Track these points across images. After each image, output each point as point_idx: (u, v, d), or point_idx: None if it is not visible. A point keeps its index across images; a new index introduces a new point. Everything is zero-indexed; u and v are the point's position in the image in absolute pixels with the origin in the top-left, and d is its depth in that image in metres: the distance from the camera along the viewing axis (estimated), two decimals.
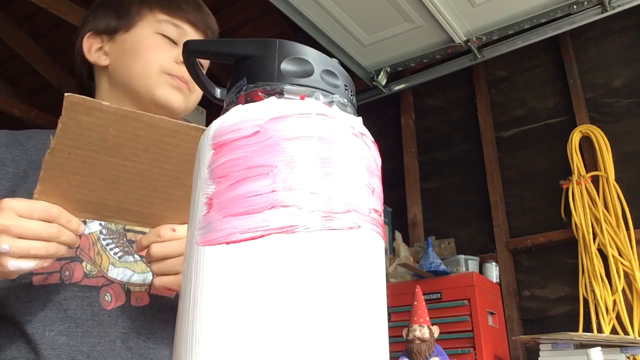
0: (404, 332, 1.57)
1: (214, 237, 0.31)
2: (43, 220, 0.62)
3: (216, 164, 0.33)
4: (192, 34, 0.91)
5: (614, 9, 2.30)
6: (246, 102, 0.35)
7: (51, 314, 0.73)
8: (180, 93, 0.87)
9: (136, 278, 0.80)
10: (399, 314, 2.01)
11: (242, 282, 0.30)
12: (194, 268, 0.32)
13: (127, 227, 0.82)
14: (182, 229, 0.69)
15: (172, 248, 0.68)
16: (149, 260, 0.71)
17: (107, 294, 0.77)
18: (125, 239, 0.82)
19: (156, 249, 0.69)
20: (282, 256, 0.30)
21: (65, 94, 0.55)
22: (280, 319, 0.29)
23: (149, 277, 0.81)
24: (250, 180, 0.32)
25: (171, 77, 0.86)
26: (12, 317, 0.73)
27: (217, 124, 0.35)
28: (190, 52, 0.42)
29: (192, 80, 0.90)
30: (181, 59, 0.85)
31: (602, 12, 2.32)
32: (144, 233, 0.83)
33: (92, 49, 0.90)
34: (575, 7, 2.34)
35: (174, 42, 0.89)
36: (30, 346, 0.72)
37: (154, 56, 0.86)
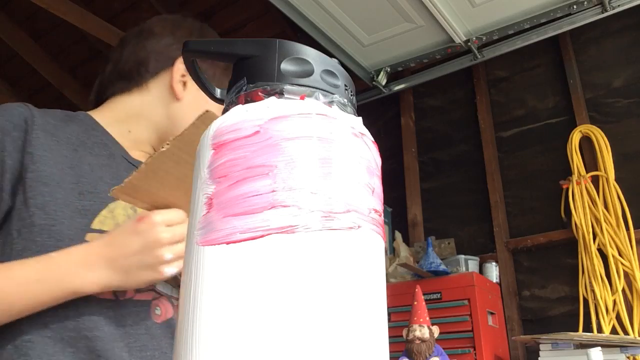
0: (404, 332, 1.57)
1: (214, 237, 0.31)
2: (179, 224, 0.71)
3: (216, 164, 0.33)
4: None
5: (614, 9, 2.30)
6: (246, 102, 0.35)
7: (111, 329, 0.74)
8: None
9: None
10: (399, 314, 2.01)
11: (242, 282, 0.30)
12: (194, 268, 0.32)
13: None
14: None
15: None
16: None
17: (157, 308, 0.79)
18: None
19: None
20: (282, 256, 0.30)
21: (207, 111, 0.63)
22: (280, 319, 0.29)
23: None
24: (250, 180, 0.32)
25: None
26: (74, 329, 0.72)
27: (217, 124, 0.35)
28: (190, 52, 0.42)
29: None
30: None
31: (602, 12, 2.33)
32: None
33: (179, 73, 0.89)
34: (575, 7, 2.34)
35: None
36: None
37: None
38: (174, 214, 0.71)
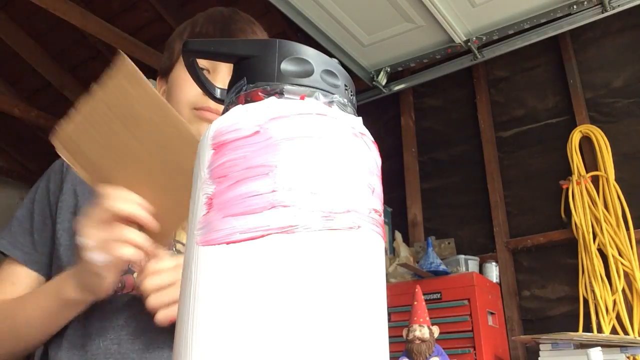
0: (404, 332, 1.57)
1: (214, 237, 0.31)
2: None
3: (216, 164, 0.33)
4: None
5: (614, 9, 2.30)
6: (246, 102, 0.35)
7: (106, 324, 0.78)
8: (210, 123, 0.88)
9: None
10: (399, 314, 2.01)
11: (242, 282, 0.30)
12: (193, 268, 0.31)
13: (177, 238, 0.83)
14: (167, 262, 0.70)
15: (162, 279, 0.69)
16: (145, 298, 0.70)
17: (120, 283, 0.80)
18: (174, 249, 0.82)
19: (146, 284, 0.69)
20: (282, 256, 0.30)
21: (121, 54, 0.60)
22: (280, 319, 0.29)
23: None
24: (250, 180, 0.32)
25: (199, 112, 0.87)
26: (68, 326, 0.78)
27: (217, 124, 0.35)
28: (190, 52, 0.42)
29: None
30: None
31: (602, 12, 2.33)
32: None
33: (160, 91, 0.95)
34: (575, 7, 2.34)
35: (204, 70, 0.88)
36: (85, 356, 0.76)
37: (182, 94, 0.88)
38: (105, 192, 0.66)
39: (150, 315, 0.74)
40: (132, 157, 0.64)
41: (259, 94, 0.35)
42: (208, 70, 0.89)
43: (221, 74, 0.87)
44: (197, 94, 0.86)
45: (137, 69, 0.58)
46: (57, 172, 0.91)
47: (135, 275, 0.79)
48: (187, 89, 0.87)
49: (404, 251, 2.48)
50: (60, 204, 0.86)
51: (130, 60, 0.58)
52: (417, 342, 1.53)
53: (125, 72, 0.59)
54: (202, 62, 0.89)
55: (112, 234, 0.65)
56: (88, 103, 0.61)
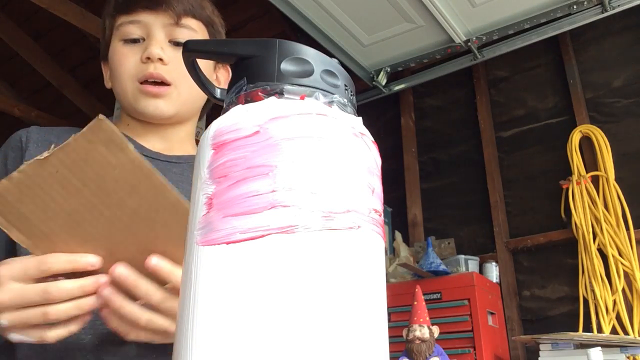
0: (404, 332, 1.57)
1: (214, 237, 0.31)
2: (38, 280, 0.54)
3: (216, 164, 0.33)
4: (153, 21, 0.82)
5: (614, 9, 2.31)
6: (246, 102, 0.35)
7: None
8: (158, 98, 0.81)
9: None
10: (399, 314, 2.01)
11: (242, 282, 0.30)
12: (193, 268, 0.32)
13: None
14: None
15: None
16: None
17: None
18: None
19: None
20: (282, 256, 0.30)
21: (100, 116, 0.50)
22: (279, 319, 0.29)
23: None
24: (250, 180, 0.32)
25: (141, 85, 0.80)
26: None
27: (217, 124, 0.35)
28: (190, 52, 0.42)
29: (169, 73, 0.81)
30: (147, 54, 0.80)
31: (602, 12, 2.33)
32: None
33: (106, 76, 0.89)
34: (575, 7, 2.35)
35: (139, 40, 0.82)
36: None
37: (122, 69, 0.82)
38: (31, 263, 0.55)
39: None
40: (94, 222, 0.54)
41: (259, 94, 0.35)
42: (143, 39, 0.82)
43: (157, 38, 0.81)
44: (136, 64, 0.81)
45: (118, 133, 0.50)
46: (15, 149, 0.81)
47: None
48: (126, 62, 0.81)
49: (404, 251, 2.48)
50: None
51: (110, 124, 0.50)
52: (417, 342, 1.53)
53: (103, 137, 0.51)
54: (135, 32, 0.82)
55: (35, 312, 0.53)
56: (37, 163, 0.52)
